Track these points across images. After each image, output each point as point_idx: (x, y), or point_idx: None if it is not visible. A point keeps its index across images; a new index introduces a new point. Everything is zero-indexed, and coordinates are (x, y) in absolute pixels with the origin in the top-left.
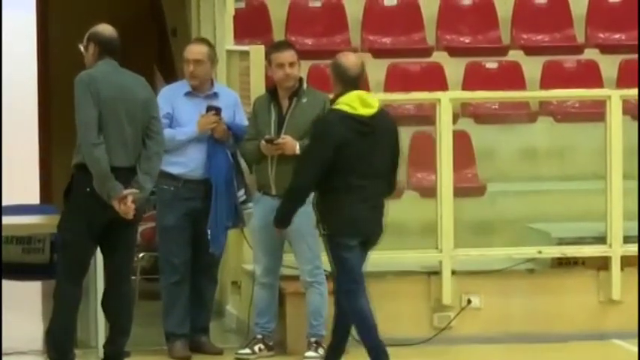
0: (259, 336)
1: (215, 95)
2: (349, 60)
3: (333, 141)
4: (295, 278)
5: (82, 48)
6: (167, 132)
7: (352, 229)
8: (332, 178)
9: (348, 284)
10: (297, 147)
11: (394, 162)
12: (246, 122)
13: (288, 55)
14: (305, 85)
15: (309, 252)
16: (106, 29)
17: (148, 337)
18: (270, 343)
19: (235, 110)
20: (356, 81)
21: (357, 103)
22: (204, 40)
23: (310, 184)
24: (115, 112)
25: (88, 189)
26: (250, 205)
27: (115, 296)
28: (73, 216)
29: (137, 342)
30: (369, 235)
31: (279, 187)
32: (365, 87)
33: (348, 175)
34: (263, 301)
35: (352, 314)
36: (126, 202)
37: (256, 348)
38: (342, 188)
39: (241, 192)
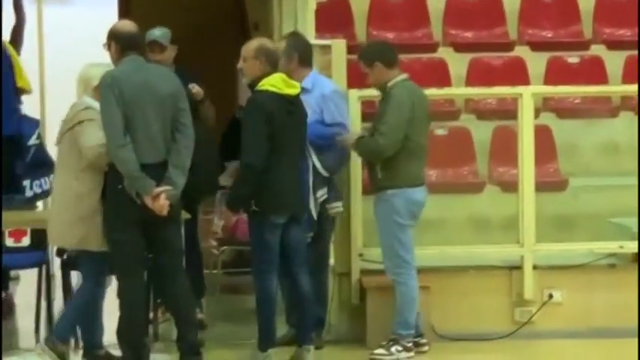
0: (393, 335)
1: (304, 90)
2: (274, 44)
3: (263, 114)
4: (376, 272)
5: (105, 48)
6: None
7: (280, 207)
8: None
9: (261, 264)
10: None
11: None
12: (337, 118)
13: None
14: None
15: (385, 247)
16: (124, 25)
17: (232, 331)
18: (409, 344)
19: (323, 107)
20: (278, 64)
21: (282, 84)
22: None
23: (260, 159)
24: (140, 110)
25: (119, 186)
26: (336, 204)
27: (168, 294)
28: (111, 214)
29: (220, 337)
30: (295, 209)
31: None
32: (446, 81)
33: (276, 152)
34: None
35: (259, 293)
36: (159, 199)
37: (393, 349)
38: (272, 165)
39: (321, 192)
